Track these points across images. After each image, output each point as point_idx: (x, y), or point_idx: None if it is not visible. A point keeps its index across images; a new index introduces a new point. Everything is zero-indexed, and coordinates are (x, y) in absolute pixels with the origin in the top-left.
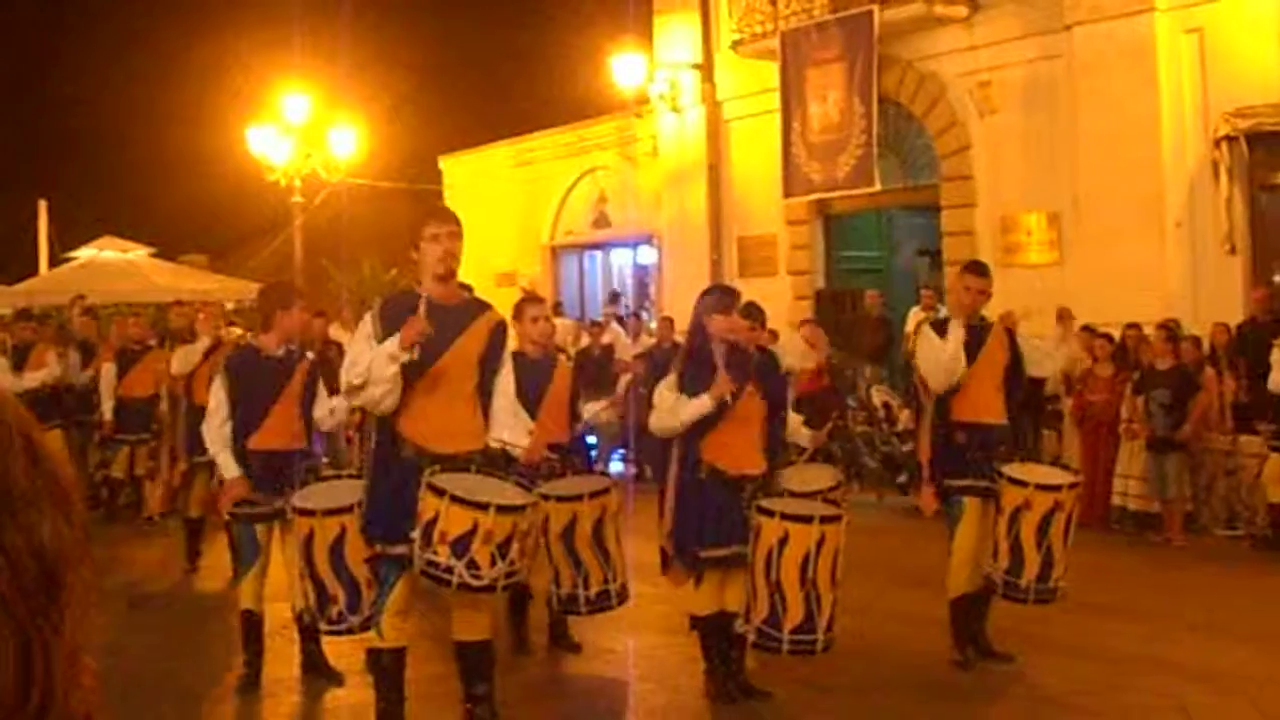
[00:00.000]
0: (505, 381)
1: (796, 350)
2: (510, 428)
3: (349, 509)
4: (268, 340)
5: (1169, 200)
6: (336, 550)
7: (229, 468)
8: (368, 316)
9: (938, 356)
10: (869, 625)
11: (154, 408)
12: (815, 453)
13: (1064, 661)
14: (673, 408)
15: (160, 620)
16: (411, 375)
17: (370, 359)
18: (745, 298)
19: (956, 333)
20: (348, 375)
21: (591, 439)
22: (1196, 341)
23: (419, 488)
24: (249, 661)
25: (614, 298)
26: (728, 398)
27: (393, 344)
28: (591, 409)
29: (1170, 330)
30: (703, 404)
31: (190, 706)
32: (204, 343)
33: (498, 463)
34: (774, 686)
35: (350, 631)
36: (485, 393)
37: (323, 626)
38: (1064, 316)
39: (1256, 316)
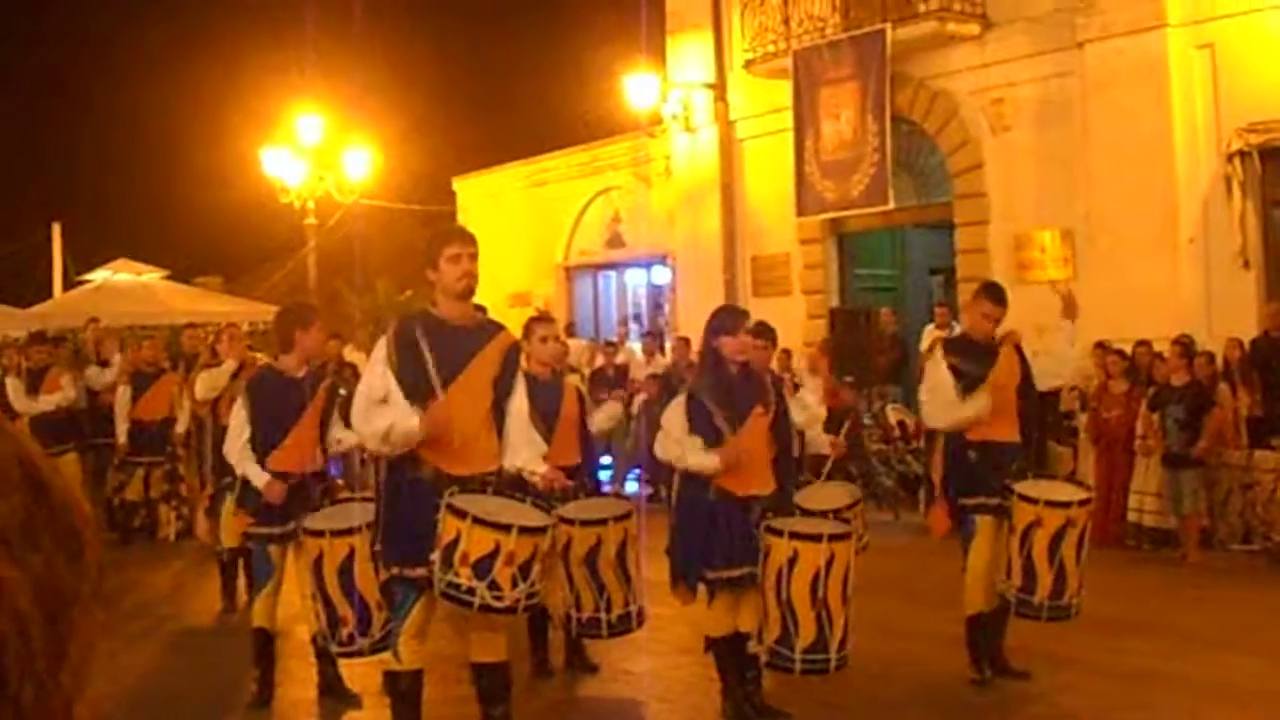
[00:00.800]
0: (519, 402)
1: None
2: (525, 451)
3: (358, 530)
4: (288, 361)
5: (1182, 216)
6: (346, 571)
7: (258, 476)
8: (383, 340)
9: (948, 402)
10: (885, 644)
11: (168, 430)
12: (834, 470)
13: (1081, 678)
14: (681, 450)
15: (174, 642)
16: (428, 397)
17: (395, 423)
18: (759, 317)
19: (979, 402)
20: (368, 420)
21: (606, 459)
22: (1210, 357)
23: (436, 510)
24: (260, 679)
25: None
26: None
27: (414, 425)
28: (601, 416)
29: (1185, 346)
30: (710, 461)
31: None
32: (230, 365)
33: (514, 484)
34: (791, 706)
35: (360, 653)
36: (500, 414)
37: (334, 648)
38: (1068, 303)
39: (1270, 331)
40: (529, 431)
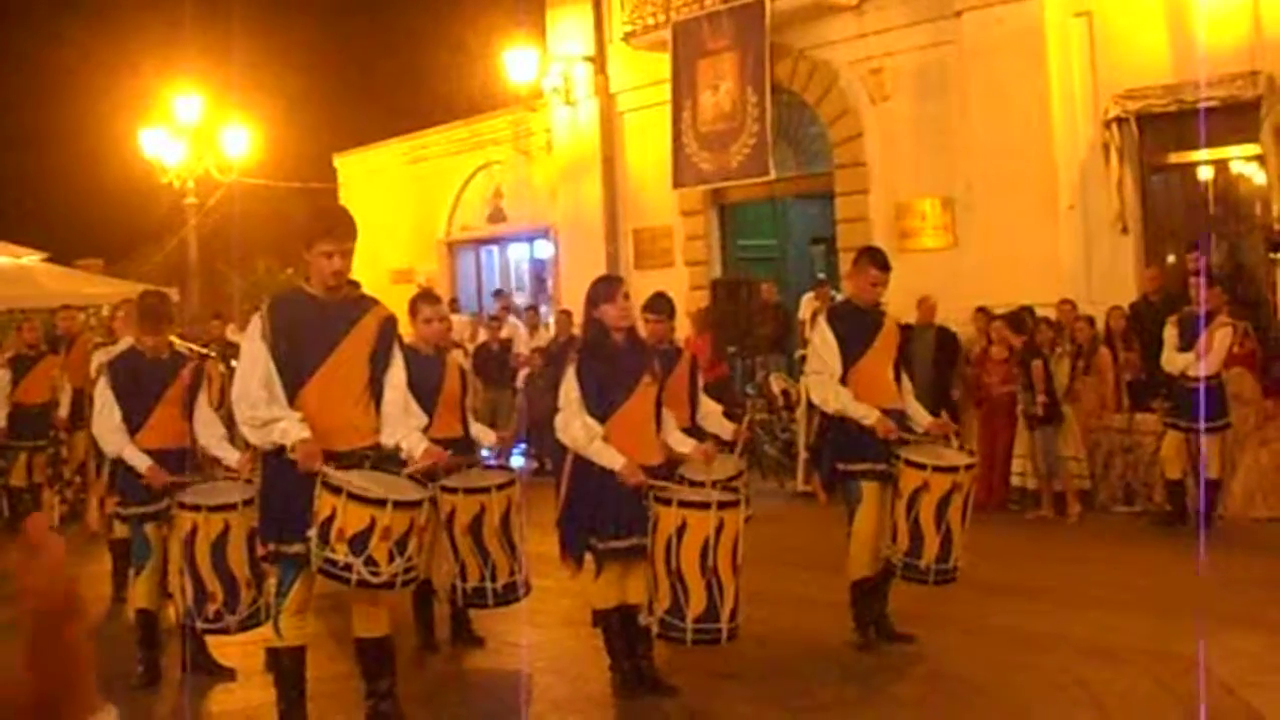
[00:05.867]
0: (396, 375)
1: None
2: (403, 426)
3: (234, 506)
4: (148, 342)
5: (1061, 182)
6: (219, 548)
7: (140, 460)
8: (257, 316)
9: (835, 378)
10: (770, 611)
11: (50, 413)
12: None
13: (965, 640)
14: (587, 439)
15: None
16: (303, 374)
17: (281, 426)
18: (642, 290)
19: (862, 410)
20: (254, 406)
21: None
22: (1090, 321)
23: (314, 485)
24: (145, 659)
25: (498, 294)
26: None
27: (298, 436)
28: (483, 436)
29: (1012, 316)
30: (615, 464)
31: None
32: (126, 342)
33: (392, 458)
34: (677, 675)
35: (227, 630)
36: (377, 388)
37: (199, 625)
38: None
39: (1149, 296)
40: (406, 402)
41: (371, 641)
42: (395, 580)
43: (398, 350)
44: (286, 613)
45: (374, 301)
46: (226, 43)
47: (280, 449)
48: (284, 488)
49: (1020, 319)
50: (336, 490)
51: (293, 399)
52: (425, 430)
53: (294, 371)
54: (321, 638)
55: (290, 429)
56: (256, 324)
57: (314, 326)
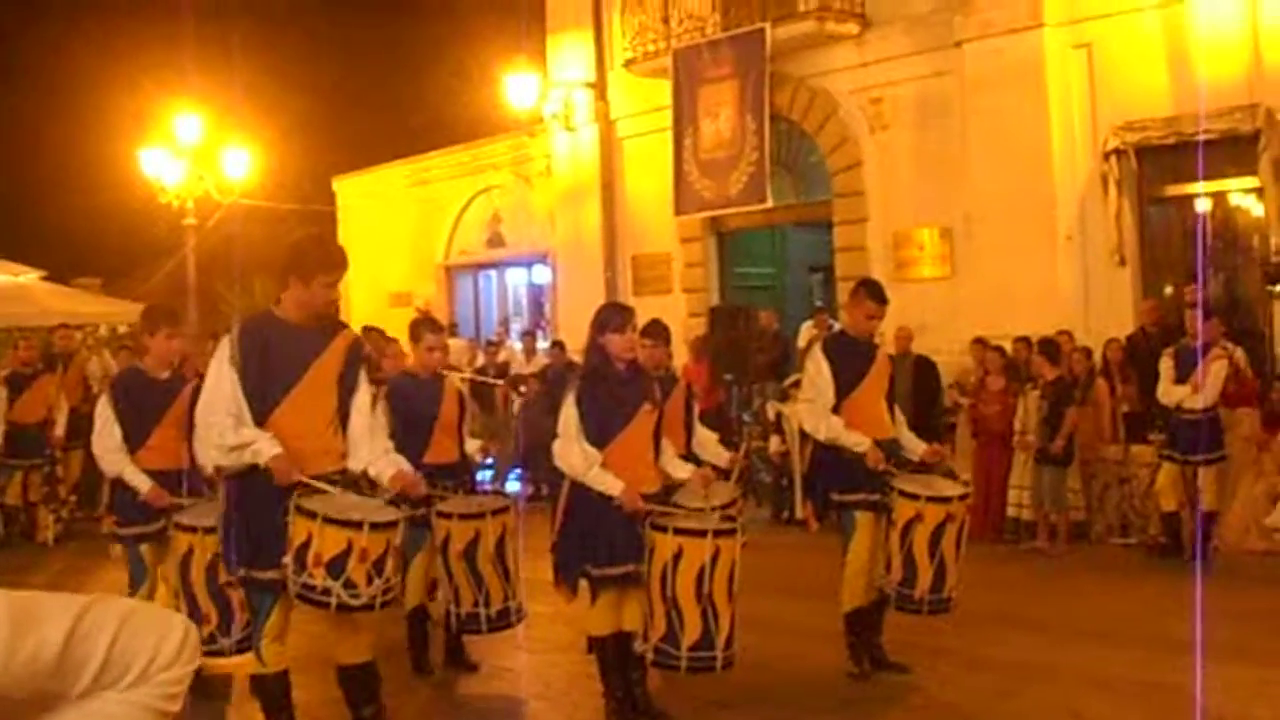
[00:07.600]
0: (362, 399)
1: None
2: (367, 450)
3: None
4: (149, 362)
5: (1060, 213)
6: (214, 570)
7: (141, 481)
8: (226, 340)
9: (827, 408)
10: (765, 640)
11: (46, 432)
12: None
13: (959, 671)
14: (585, 466)
15: None
16: (274, 398)
17: (254, 447)
18: (641, 316)
19: (854, 438)
20: (222, 432)
21: (488, 459)
22: (1087, 353)
23: (284, 511)
24: None
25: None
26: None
27: (270, 453)
28: (471, 447)
29: (1047, 345)
30: (614, 490)
31: None
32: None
33: (360, 481)
34: (672, 703)
35: (222, 653)
36: (346, 411)
37: None
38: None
39: (1146, 328)
40: (371, 426)
41: (354, 668)
42: (375, 602)
43: (364, 373)
44: (267, 639)
45: (342, 325)
46: (227, 63)
47: (250, 470)
48: (252, 511)
49: (1056, 348)
50: (311, 515)
51: (263, 423)
52: (421, 454)
53: (264, 395)
54: (312, 661)
55: (262, 448)
56: (225, 347)
57: (284, 350)
